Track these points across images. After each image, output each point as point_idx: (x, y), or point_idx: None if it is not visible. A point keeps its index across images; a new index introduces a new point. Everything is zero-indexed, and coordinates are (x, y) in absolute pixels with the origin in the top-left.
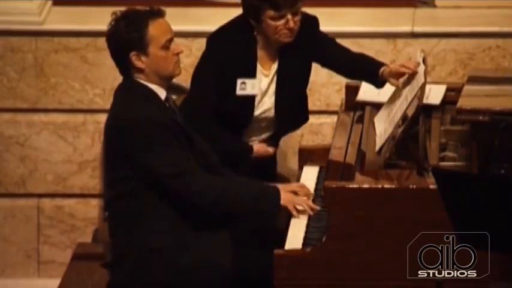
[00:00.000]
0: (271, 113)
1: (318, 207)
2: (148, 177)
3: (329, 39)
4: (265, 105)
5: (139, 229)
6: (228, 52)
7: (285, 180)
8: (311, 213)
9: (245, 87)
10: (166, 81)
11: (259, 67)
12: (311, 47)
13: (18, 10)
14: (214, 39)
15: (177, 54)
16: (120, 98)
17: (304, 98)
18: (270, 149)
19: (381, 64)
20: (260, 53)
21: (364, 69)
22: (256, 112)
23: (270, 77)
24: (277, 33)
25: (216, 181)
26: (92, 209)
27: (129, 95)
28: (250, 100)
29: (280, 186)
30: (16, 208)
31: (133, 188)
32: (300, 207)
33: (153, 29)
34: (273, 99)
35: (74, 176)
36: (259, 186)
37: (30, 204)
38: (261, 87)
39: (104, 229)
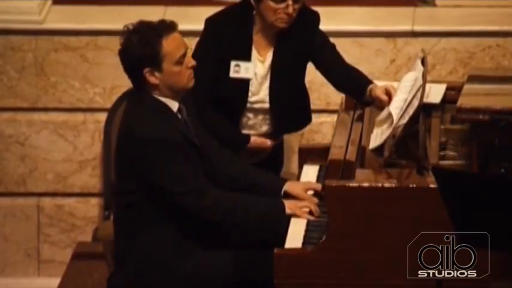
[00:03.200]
0: (266, 105)
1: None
2: (156, 195)
3: (328, 42)
4: (262, 94)
5: (141, 238)
6: (223, 32)
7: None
8: (317, 214)
9: (239, 70)
10: (180, 94)
11: (254, 51)
12: (307, 41)
13: (18, 9)
14: (210, 20)
15: (191, 67)
16: (131, 111)
17: (304, 96)
18: (268, 142)
19: (369, 82)
20: (256, 37)
21: (352, 84)
22: (252, 99)
23: (267, 64)
24: (275, 16)
25: (225, 198)
26: (92, 208)
27: (140, 109)
28: (244, 84)
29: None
30: (16, 207)
31: (138, 201)
32: (306, 210)
33: (167, 44)
34: (267, 89)
35: (74, 175)
36: (266, 203)
37: (30, 203)
38: (256, 72)
39: (104, 228)
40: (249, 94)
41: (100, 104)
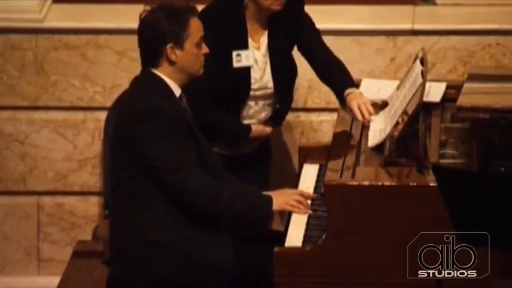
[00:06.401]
0: (269, 90)
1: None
2: (146, 169)
3: (314, 27)
4: (265, 79)
5: (139, 221)
6: (217, 24)
7: (285, 178)
8: (308, 210)
9: (240, 59)
10: (187, 79)
11: (249, 38)
12: (296, 21)
13: (18, 8)
14: (202, 15)
15: (204, 54)
16: (135, 87)
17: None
18: (267, 129)
19: (349, 85)
20: (249, 23)
21: (332, 81)
22: (255, 86)
23: (263, 49)
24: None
25: (211, 183)
26: (92, 206)
27: (145, 86)
28: (246, 72)
29: (276, 193)
30: (16, 206)
31: (133, 177)
32: (296, 205)
33: (193, 25)
34: (269, 74)
35: (74, 174)
36: (253, 195)
37: (30, 202)
38: (255, 58)
39: (104, 227)
40: (252, 81)
41: (100, 102)
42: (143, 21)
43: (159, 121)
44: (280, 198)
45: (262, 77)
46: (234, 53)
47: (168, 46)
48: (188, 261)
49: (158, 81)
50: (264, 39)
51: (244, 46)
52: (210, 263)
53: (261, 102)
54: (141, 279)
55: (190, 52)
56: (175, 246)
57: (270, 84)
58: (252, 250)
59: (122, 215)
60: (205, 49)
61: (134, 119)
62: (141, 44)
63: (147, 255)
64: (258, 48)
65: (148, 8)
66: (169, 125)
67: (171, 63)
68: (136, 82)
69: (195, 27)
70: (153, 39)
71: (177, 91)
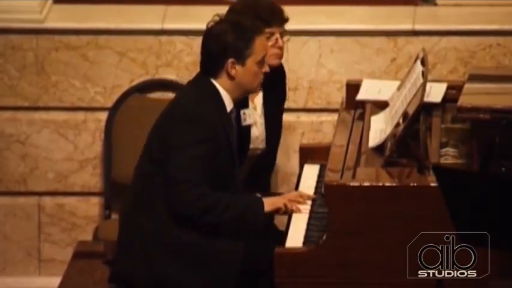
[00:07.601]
0: (258, 151)
1: (309, 201)
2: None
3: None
4: (259, 139)
5: (150, 217)
6: None
7: (286, 179)
8: (302, 208)
9: (245, 117)
10: (243, 95)
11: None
12: (283, 86)
13: (19, 8)
14: None
15: (265, 72)
16: (188, 90)
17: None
18: None
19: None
20: None
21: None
22: (252, 145)
23: (259, 110)
24: (268, 53)
25: (208, 196)
26: (93, 207)
27: (199, 91)
28: (248, 132)
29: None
30: (17, 206)
31: (157, 173)
32: (288, 201)
33: (258, 43)
34: (264, 134)
35: (75, 174)
36: (243, 200)
37: (31, 202)
38: (255, 118)
39: (104, 227)
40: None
41: (101, 103)
42: (209, 31)
43: (195, 128)
44: (272, 199)
45: (258, 137)
46: (242, 112)
47: (230, 61)
48: (193, 263)
49: (213, 91)
50: (258, 100)
51: (246, 105)
52: (220, 261)
53: (247, 165)
54: (143, 277)
55: (250, 69)
56: (182, 247)
57: (262, 145)
58: (255, 245)
59: (136, 207)
60: (266, 68)
61: (174, 118)
62: (204, 52)
63: (153, 254)
64: (255, 109)
65: (217, 18)
66: (204, 134)
67: (230, 77)
68: (190, 85)
69: (260, 46)
70: (216, 51)
71: (229, 105)
